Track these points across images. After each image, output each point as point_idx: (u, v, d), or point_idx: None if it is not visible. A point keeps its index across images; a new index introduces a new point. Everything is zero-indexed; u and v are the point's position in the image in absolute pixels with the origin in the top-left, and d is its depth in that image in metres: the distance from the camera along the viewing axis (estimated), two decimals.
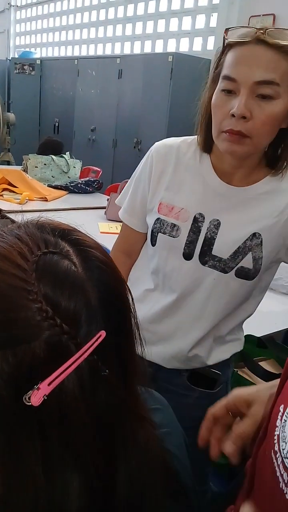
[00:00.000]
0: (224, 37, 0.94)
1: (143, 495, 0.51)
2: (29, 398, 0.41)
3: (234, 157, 1.01)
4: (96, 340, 0.44)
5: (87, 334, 0.44)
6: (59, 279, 0.44)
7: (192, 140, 1.14)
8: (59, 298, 0.43)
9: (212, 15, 4.80)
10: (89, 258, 0.49)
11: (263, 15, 4.13)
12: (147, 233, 1.18)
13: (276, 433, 0.45)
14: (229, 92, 0.93)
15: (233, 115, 0.91)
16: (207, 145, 1.08)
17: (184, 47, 5.19)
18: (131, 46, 5.92)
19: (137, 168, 1.20)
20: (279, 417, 0.45)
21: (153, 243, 1.12)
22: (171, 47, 5.31)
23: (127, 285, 0.54)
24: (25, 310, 0.41)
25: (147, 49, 5.66)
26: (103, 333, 0.45)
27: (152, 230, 1.12)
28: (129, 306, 0.54)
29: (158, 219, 1.10)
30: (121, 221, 1.26)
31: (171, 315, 1.14)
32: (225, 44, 0.95)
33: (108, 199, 3.23)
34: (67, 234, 0.50)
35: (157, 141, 1.17)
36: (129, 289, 0.54)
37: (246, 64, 0.90)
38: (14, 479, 0.44)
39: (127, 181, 1.25)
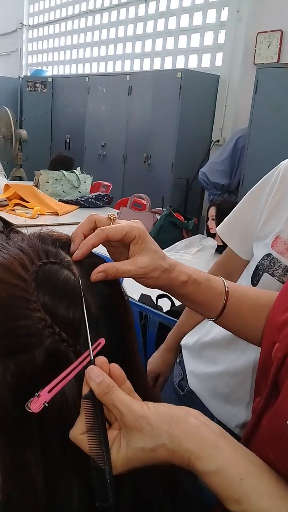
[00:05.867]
0: None
1: (148, 503, 0.51)
2: (30, 405, 0.42)
3: None
4: (96, 347, 0.45)
5: (87, 341, 0.45)
6: (58, 288, 0.45)
7: None
8: (57, 306, 0.44)
9: (220, 32, 4.85)
10: (89, 267, 0.50)
11: (270, 31, 4.17)
12: (248, 262, 0.98)
13: None
14: None
15: None
16: None
17: (192, 64, 5.25)
18: (141, 63, 6.00)
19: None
20: None
21: (255, 282, 0.91)
22: (180, 64, 5.37)
23: (126, 295, 0.55)
24: (25, 319, 0.43)
25: (157, 66, 5.73)
26: (102, 341, 0.46)
27: (257, 266, 0.91)
28: (131, 314, 0.55)
29: (269, 255, 0.89)
30: None
31: None
32: None
33: (118, 213, 3.25)
34: (68, 245, 0.52)
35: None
36: (127, 299, 0.55)
37: None
38: (15, 488, 0.45)
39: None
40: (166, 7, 5.45)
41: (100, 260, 0.54)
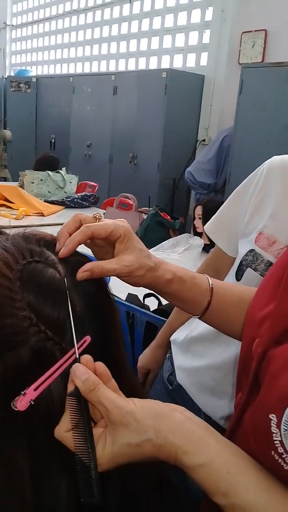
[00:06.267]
0: None
1: (135, 498, 0.51)
2: (16, 403, 0.42)
3: None
4: (81, 345, 0.45)
5: (73, 340, 0.45)
6: (43, 286, 0.45)
7: None
8: (42, 305, 0.44)
9: (204, 32, 4.87)
10: (75, 265, 0.50)
11: (255, 30, 4.20)
12: (235, 260, 0.98)
13: (277, 439, 0.47)
14: None
15: None
16: None
17: (177, 63, 5.26)
18: (126, 63, 6.00)
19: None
20: (273, 424, 0.48)
21: (239, 277, 0.92)
22: (165, 64, 5.38)
23: (112, 294, 0.55)
24: (10, 318, 0.42)
25: (142, 65, 5.73)
26: (88, 338, 0.45)
27: (241, 262, 0.92)
28: (117, 313, 0.54)
29: (252, 250, 0.90)
30: None
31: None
32: None
33: (104, 213, 3.24)
34: (52, 244, 0.52)
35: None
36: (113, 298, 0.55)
37: None
38: (2, 485, 0.45)
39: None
40: (151, 7, 5.46)
41: (86, 258, 0.54)
